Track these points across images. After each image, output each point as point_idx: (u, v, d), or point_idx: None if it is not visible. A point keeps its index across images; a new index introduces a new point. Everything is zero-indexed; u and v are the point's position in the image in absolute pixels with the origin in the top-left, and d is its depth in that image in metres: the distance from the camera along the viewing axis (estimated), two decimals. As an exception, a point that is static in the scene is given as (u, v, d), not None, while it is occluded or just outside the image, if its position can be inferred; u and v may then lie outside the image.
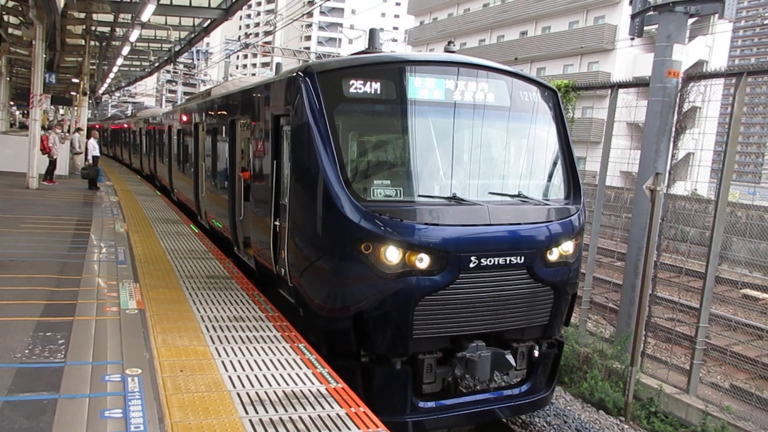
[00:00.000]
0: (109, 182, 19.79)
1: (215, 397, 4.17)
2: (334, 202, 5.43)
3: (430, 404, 5.85)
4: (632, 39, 10.55)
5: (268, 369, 4.74)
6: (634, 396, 8.50)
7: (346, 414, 4.07)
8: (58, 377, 4.36)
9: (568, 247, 6.18)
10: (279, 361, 4.94)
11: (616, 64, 38.31)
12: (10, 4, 17.76)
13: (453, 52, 7.06)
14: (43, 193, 15.61)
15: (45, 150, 17.09)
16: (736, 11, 9.05)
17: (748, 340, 10.39)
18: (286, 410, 4.05)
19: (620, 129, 11.01)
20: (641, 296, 8.66)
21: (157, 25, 21.23)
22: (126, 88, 64.76)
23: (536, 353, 6.29)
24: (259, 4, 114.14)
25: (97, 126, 30.46)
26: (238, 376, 4.54)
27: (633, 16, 9.88)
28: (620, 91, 10.37)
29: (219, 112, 10.31)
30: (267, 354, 5.06)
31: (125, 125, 31.32)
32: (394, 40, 64.71)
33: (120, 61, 28.69)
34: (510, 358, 5.96)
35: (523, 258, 5.81)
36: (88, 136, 20.63)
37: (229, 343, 5.25)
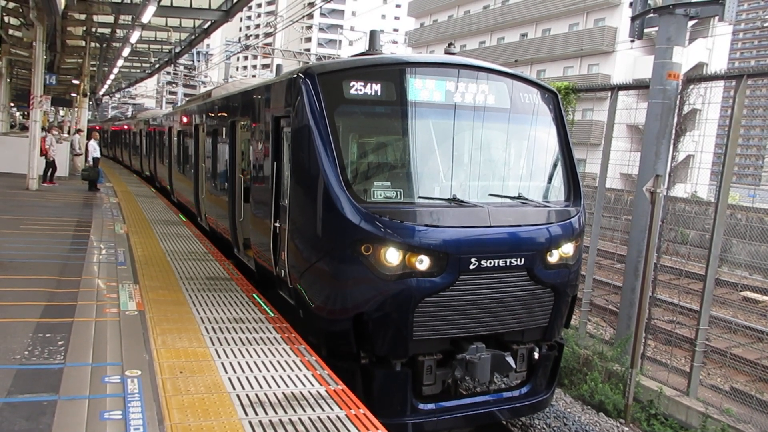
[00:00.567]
0: (109, 183, 19.80)
1: (215, 399, 4.16)
2: (334, 203, 5.43)
3: (430, 406, 5.83)
4: (632, 41, 10.53)
5: (268, 371, 4.74)
6: (634, 398, 8.49)
7: (346, 416, 4.07)
8: (58, 379, 4.36)
9: (568, 249, 6.18)
10: (279, 362, 4.93)
11: (616, 67, 38.36)
12: (11, 5, 17.76)
13: (453, 53, 7.06)
14: (43, 194, 15.61)
15: (42, 152, 17.11)
16: (736, 14, 9.05)
17: (748, 343, 10.38)
18: (285, 412, 4.05)
19: (620, 131, 11.00)
20: (641, 298, 8.66)
21: (158, 26, 21.27)
22: (126, 90, 64.89)
23: (536, 355, 6.29)
24: (259, 5, 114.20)
25: (97, 127, 30.46)
26: (238, 378, 4.54)
27: (633, 19, 9.89)
28: (620, 93, 10.36)
29: (219, 114, 10.31)
30: (267, 356, 5.06)
31: (125, 127, 31.34)
32: (395, 42, 64.76)
33: (120, 62, 28.71)
34: (510, 360, 5.95)
35: (523, 260, 5.80)
36: (89, 138, 20.64)
37: (228, 344, 5.24)
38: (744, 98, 8.46)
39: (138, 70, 39.34)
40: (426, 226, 5.50)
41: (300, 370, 4.81)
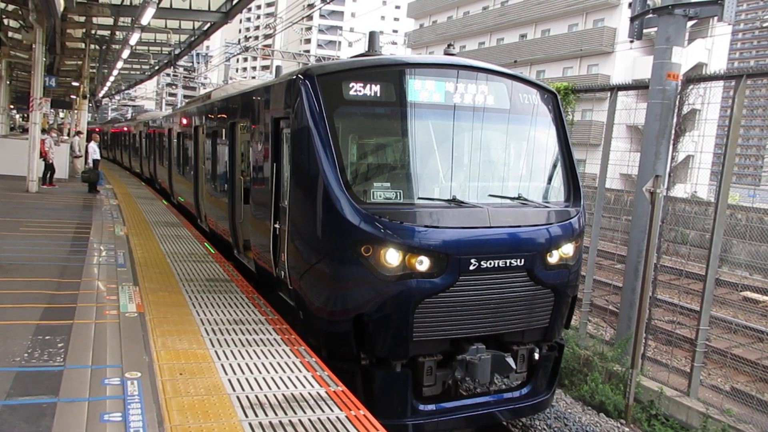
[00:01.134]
0: (109, 185, 19.80)
1: (215, 401, 4.16)
2: (334, 204, 5.43)
3: (430, 407, 5.83)
4: (631, 42, 10.55)
5: (268, 372, 4.73)
6: (635, 399, 8.49)
7: (346, 417, 4.06)
8: (58, 381, 4.35)
9: (568, 249, 6.17)
10: (279, 364, 4.93)
11: (615, 67, 38.38)
12: (10, 7, 17.79)
13: (453, 54, 7.06)
14: (42, 196, 15.61)
15: (41, 154, 17.13)
16: (735, 14, 9.06)
17: (748, 343, 10.38)
18: (285, 413, 4.04)
19: (620, 131, 11.00)
20: (641, 299, 8.65)
21: (157, 28, 21.31)
22: (126, 92, 64.93)
23: (536, 356, 6.29)
24: (259, 7, 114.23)
25: (97, 129, 30.48)
26: (238, 380, 4.53)
27: (632, 19, 9.89)
28: (620, 93, 10.36)
29: (219, 115, 10.31)
30: (267, 357, 5.05)
31: (125, 128, 31.37)
32: (394, 43, 64.78)
33: (120, 64, 28.75)
34: (510, 360, 5.95)
35: (523, 260, 5.80)
36: (89, 140, 20.67)
37: (228, 346, 5.24)
38: (743, 98, 8.46)
39: (138, 72, 39.39)
40: (426, 226, 5.50)
41: (300, 371, 4.81)
